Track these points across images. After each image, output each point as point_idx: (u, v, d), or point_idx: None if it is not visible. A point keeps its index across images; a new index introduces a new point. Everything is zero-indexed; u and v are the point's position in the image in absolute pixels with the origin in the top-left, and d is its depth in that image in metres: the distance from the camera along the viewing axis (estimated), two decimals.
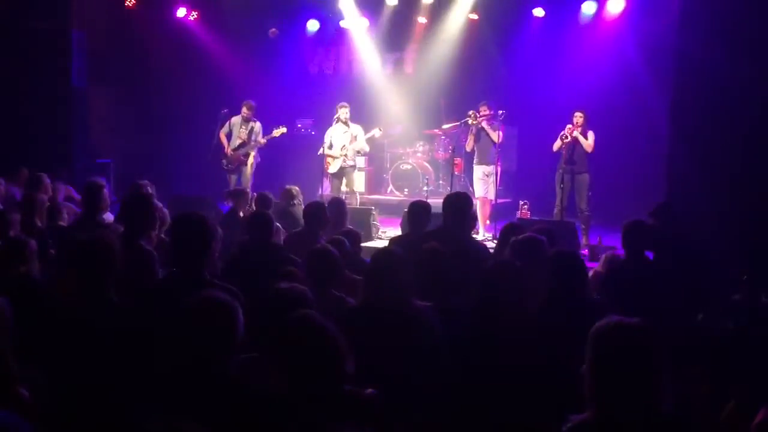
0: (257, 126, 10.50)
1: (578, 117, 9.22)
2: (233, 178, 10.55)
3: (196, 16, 12.44)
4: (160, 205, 7.00)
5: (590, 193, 9.27)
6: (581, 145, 9.18)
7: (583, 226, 9.17)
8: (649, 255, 5.46)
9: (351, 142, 10.11)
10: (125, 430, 2.53)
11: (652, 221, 6.08)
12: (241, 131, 10.48)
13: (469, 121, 9.63)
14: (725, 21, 7.73)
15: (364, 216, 9.03)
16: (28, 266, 4.06)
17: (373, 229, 9.16)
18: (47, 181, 7.20)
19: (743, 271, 5.84)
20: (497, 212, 9.69)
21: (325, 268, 3.97)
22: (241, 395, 2.54)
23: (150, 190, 6.47)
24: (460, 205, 5.44)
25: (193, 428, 1.99)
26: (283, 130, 10.45)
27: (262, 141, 10.44)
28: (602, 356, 2.39)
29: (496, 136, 9.49)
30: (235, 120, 10.53)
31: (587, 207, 9.24)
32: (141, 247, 4.31)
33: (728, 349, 3.90)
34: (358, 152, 10.33)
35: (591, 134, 9.21)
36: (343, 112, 10.13)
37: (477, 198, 9.62)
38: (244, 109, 10.46)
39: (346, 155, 10.10)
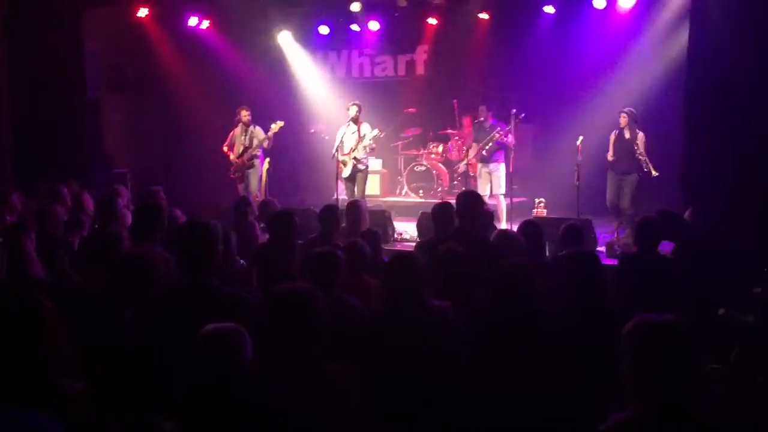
0: (257, 130, 10.51)
1: (623, 117, 9.04)
2: (241, 186, 10.58)
3: (208, 24, 12.48)
4: (179, 213, 7.02)
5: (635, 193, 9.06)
6: (634, 146, 8.97)
7: (617, 223, 9.10)
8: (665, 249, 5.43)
9: (358, 143, 10.05)
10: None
11: (689, 217, 6.04)
12: (243, 139, 10.50)
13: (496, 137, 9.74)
14: (738, 16, 7.65)
15: (380, 219, 9.01)
16: None
17: (389, 231, 9.14)
18: (65, 192, 7.24)
19: (764, 265, 5.80)
20: (513, 211, 9.65)
21: (329, 271, 3.83)
22: (247, 415, 2.53)
23: (162, 197, 6.46)
24: (470, 202, 5.46)
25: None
26: (281, 124, 10.39)
27: (262, 139, 10.44)
28: (640, 355, 2.34)
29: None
30: (236, 131, 10.58)
31: (630, 206, 9.03)
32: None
33: (750, 343, 3.86)
34: (365, 148, 10.17)
35: (641, 135, 9.01)
36: (352, 110, 10.06)
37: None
38: (244, 115, 10.47)
39: (355, 158, 10.07)
